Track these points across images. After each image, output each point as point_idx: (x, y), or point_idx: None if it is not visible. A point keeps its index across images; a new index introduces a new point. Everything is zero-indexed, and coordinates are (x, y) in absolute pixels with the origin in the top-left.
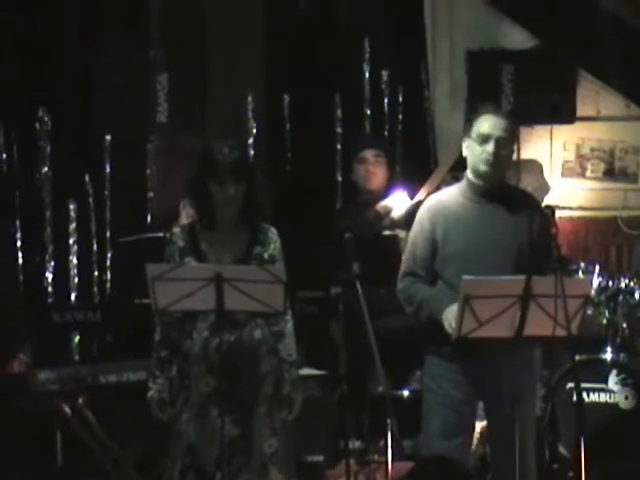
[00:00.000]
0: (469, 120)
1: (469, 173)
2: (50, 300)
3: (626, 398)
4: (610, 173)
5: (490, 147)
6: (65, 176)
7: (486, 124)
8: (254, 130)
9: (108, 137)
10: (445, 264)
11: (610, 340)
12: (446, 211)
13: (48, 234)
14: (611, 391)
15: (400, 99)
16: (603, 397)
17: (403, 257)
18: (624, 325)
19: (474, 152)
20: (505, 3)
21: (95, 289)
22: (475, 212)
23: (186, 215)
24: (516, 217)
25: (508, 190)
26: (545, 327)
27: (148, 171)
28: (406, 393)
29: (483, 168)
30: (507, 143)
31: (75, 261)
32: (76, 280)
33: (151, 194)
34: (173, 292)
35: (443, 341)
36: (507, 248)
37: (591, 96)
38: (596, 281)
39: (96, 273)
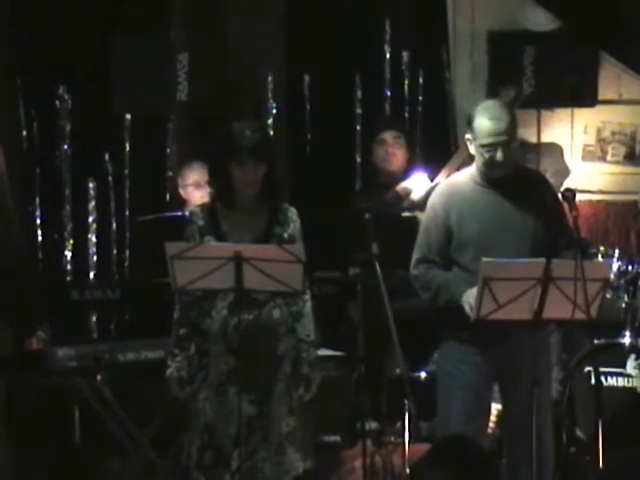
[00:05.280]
0: (468, 118)
1: (479, 167)
2: (69, 278)
3: None
4: (631, 157)
5: (499, 155)
6: (85, 154)
7: (487, 134)
8: (274, 111)
9: (128, 116)
10: (461, 249)
11: (629, 324)
12: (459, 196)
13: (67, 212)
14: (629, 375)
15: (421, 80)
16: (621, 381)
17: (416, 244)
18: None
19: (483, 158)
20: None
21: (114, 267)
22: (488, 196)
23: (185, 193)
24: (529, 198)
25: (518, 172)
26: (564, 310)
27: (168, 150)
28: (423, 375)
29: (497, 173)
30: (513, 137)
31: (94, 239)
32: (95, 258)
33: (170, 173)
34: (192, 271)
35: (461, 325)
36: (522, 230)
37: (613, 79)
38: (616, 265)
39: (115, 252)
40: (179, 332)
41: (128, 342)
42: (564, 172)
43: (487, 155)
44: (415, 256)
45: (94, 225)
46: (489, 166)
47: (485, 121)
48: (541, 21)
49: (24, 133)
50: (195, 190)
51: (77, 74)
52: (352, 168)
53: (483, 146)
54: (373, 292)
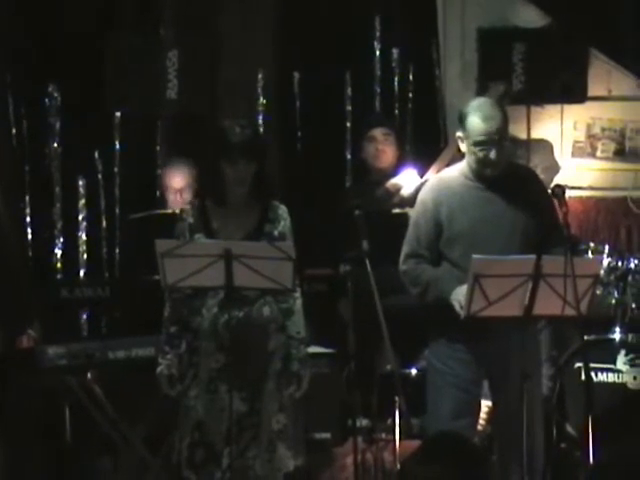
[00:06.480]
0: (460, 116)
1: (470, 165)
2: (59, 276)
3: (634, 378)
4: (621, 153)
5: (492, 154)
6: (75, 152)
7: (480, 133)
8: (264, 108)
9: (118, 114)
10: (451, 244)
11: (619, 320)
12: (449, 191)
13: (57, 210)
14: (619, 371)
15: (411, 77)
16: (611, 377)
17: (405, 239)
18: (633, 305)
19: (476, 156)
20: None
21: (104, 265)
22: (478, 191)
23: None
24: (519, 194)
25: (508, 168)
26: (554, 306)
27: (158, 148)
28: (414, 371)
29: (489, 172)
30: (505, 136)
31: (84, 237)
32: (85, 256)
33: (160, 171)
34: (182, 268)
35: (450, 322)
36: (512, 226)
37: (602, 75)
38: (605, 261)
39: (105, 249)
40: (169, 330)
41: (119, 340)
42: (554, 168)
43: (481, 154)
44: (404, 251)
45: (84, 223)
46: (482, 165)
47: (477, 120)
48: (531, 18)
49: (14, 131)
50: (172, 194)
51: (67, 72)
52: (342, 165)
53: (476, 144)
54: (364, 289)
